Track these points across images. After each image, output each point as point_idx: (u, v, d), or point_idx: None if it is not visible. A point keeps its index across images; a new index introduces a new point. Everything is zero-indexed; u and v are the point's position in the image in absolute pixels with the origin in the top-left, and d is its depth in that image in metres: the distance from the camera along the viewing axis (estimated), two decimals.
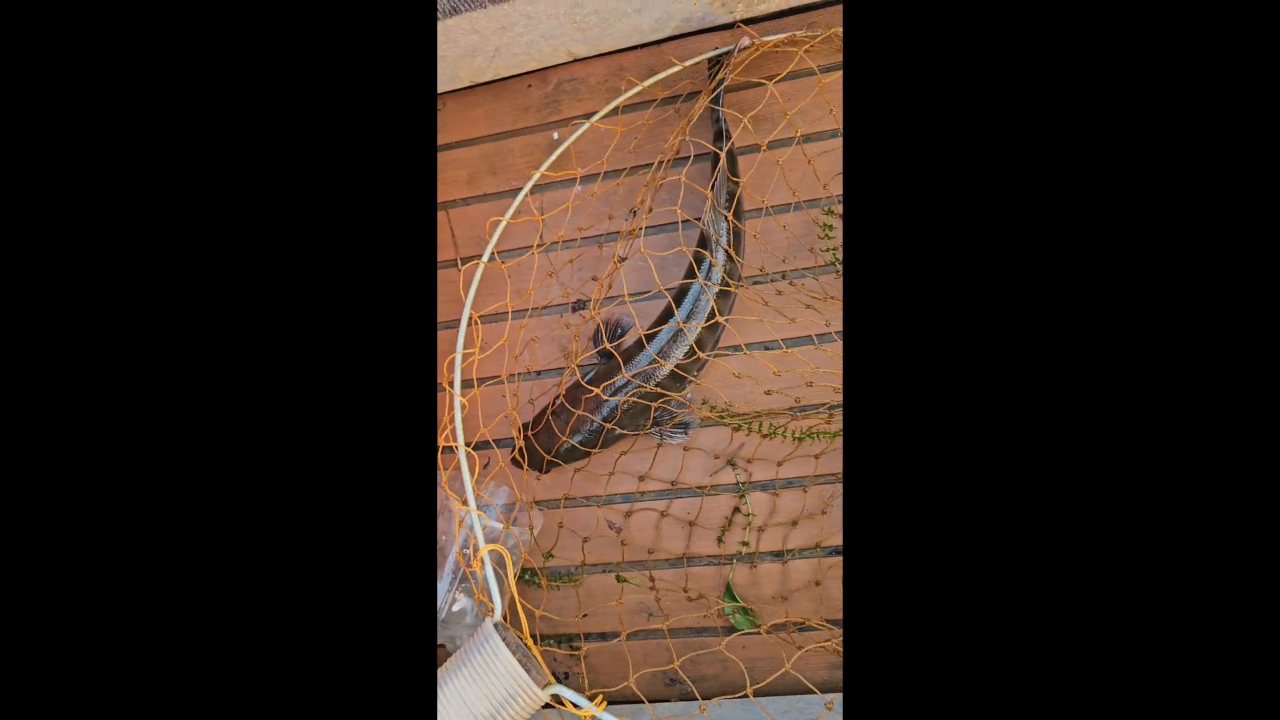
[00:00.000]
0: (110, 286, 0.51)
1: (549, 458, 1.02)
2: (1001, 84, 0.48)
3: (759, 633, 0.96)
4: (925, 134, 0.49)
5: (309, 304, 0.53)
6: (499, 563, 0.91)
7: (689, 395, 1.06)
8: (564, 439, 1.00)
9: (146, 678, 0.49)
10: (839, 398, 1.00)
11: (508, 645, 0.72)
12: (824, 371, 0.98)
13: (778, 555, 1.02)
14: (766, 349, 1.03)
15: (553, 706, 0.74)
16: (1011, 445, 0.47)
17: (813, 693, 0.91)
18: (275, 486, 0.51)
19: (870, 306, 0.49)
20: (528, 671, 0.71)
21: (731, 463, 1.05)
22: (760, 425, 1.03)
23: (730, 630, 1.00)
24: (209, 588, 0.50)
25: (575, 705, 0.70)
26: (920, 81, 0.49)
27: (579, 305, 1.12)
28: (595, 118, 1.03)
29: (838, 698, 0.89)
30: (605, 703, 0.70)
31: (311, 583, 0.51)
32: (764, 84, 0.94)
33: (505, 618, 0.79)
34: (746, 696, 0.82)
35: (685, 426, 1.05)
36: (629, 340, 1.04)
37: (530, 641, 0.77)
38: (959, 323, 0.48)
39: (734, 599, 1.01)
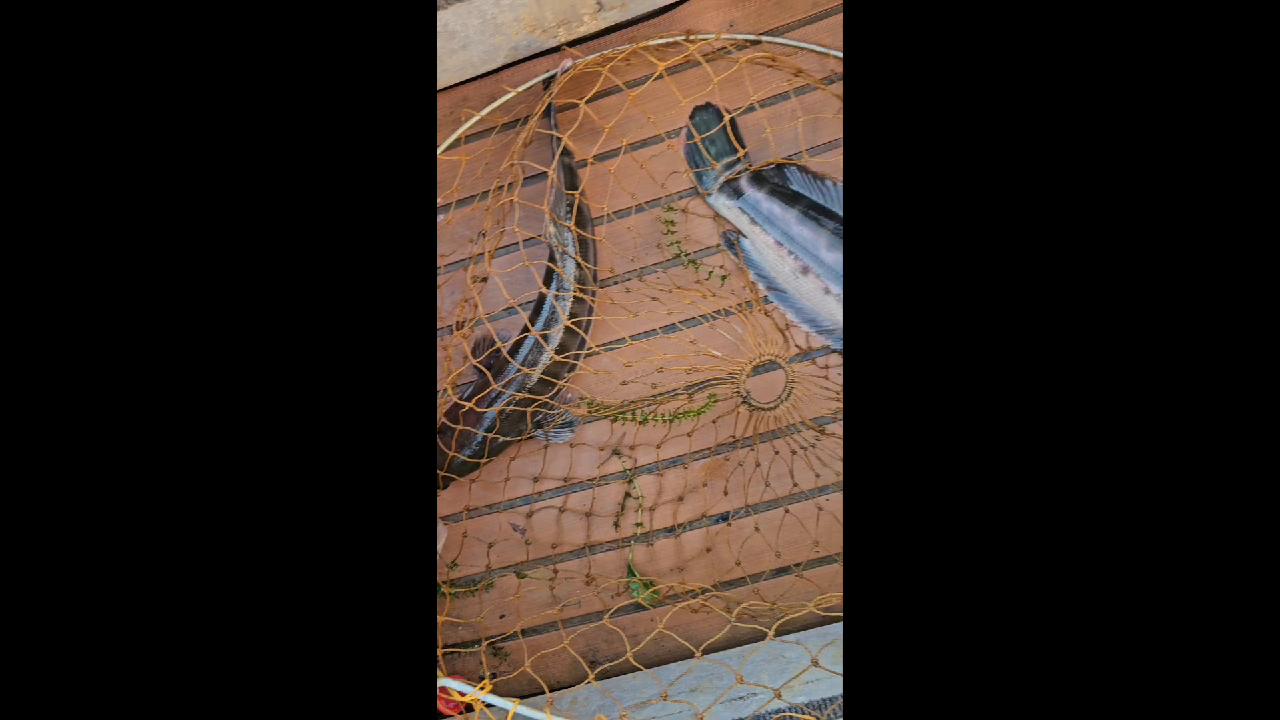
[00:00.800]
0: (100, 280, 0.51)
1: (443, 474, 1.08)
2: (998, 81, 0.49)
3: (647, 607, 1.04)
4: (923, 132, 0.50)
5: (311, 301, 0.53)
6: None
7: (569, 396, 1.13)
8: (452, 454, 1.07)
9: (137, 680, 0.50)
10: (691, 379, 1.09)
11: None
12: (672, 357, 1.07)
13: (670, 530, 1.10)
14: (634, 342, 1.11)
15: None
16: (1008, 434, 0.47)
17: (720, 658, 0.99)
18: (274, 485, 0.52)
19: (869, 302, 0.50)
20: None
21: (617, 452, 1.12)
22: (635, 414, 1.11)
23: (639, 608, 1.08)
24: (209, 586, 0.51)
25: (461, 693, 0.77)
26: (918, 80, 0.50)
27: (455, 327, 1.19)
28: (439, 150, 1.09)
29: (715, 655, 0.97)
30: (490, 688, 0.77)
31: (309, 582, 0.51)
32: (577, 104, 1.01)
33: None
34: (639, 669, 0.90)
35: (569, 425, 1.12)
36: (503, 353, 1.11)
37: None
38: (955, 315, 0.48)
39: (634, 576, 1.09)
